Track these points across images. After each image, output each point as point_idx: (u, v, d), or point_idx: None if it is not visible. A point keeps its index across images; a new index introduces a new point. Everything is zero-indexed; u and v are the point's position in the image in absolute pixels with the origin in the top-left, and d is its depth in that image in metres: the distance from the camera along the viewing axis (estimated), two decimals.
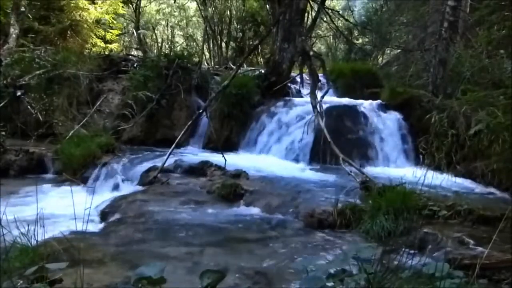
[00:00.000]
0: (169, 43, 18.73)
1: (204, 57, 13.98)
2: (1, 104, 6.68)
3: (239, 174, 4.75)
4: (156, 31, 18.82)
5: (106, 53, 9.94)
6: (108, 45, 12.15)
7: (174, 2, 16.89)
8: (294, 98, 7.60)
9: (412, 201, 3.34)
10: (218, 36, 16.02)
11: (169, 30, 20.04)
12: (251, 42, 15.19)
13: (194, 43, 17.41)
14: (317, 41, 17.39)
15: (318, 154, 5.84)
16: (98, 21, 11.42)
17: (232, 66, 9.91)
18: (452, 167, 5.39)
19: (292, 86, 8.38)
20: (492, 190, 4.84)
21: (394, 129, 6.43)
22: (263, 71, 8.21)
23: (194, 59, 8.23)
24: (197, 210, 3.87)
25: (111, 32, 12.28)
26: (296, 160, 6.08)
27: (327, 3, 12.21)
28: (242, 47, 15.69)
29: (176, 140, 5.37)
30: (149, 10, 18.26)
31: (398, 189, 3.52)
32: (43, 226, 2.29)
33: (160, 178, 4.73)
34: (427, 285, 1.46)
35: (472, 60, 6.79)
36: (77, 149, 5.56)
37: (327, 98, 6.37)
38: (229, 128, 6.99)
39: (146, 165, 5.16)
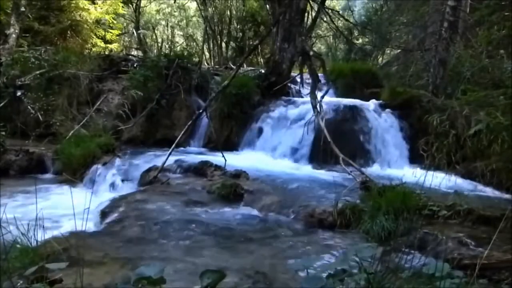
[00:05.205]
0: (169, 43, 18.73)
1: (204, 57, 14.00)
2: (1, 104, 6.68)
3: (239, 174, 4.74)
4: (156, 31, 18.82)
5: (106, 53, 9.94)
6: (108, 45, 12.15)
7: (174, 2, 16.91)
8: (294, 98, 7.59)
9: (412, 201, 3.34)
10: (218, 36, 16.03)
11: (169, 30, 20.05)
12: (251, 42, 15.19)
13: (194, 43, 17.42)
14: (317, 41, 17.39)
15: (318, 154, 5.84)
16: (98, 21, 11.41)
17: (232, 66, 9.91)
18: (452, 167, 5.39)
19: (292, 86, 8.38)
20: (492, 190, 4.84)
21: (394, 129, 6.43)
22: (263, 71, 8.21)
23: (194, 59, 8.23)
24: (197, 210, 3.87)
25: (111, 32, 12.27)
26: (296, 160, 6.09)
27: (327, 3, 12.22)
28: (242, 47, 15.69)
29: (176, 140, 5.36)
30: (149, 10, 18.28)
31: (398, 189, 3.52)
32: (43, 226, 2.29)
33: (160, 178, 4.72)
34: (427, 285, 1.46)
35: (472, 60, 6.80)
36: (77, 149, 5.55)
37: (327, 98, 6.37)
38: (229, 128, 6.99)
39: (146, 165, 5.15)
